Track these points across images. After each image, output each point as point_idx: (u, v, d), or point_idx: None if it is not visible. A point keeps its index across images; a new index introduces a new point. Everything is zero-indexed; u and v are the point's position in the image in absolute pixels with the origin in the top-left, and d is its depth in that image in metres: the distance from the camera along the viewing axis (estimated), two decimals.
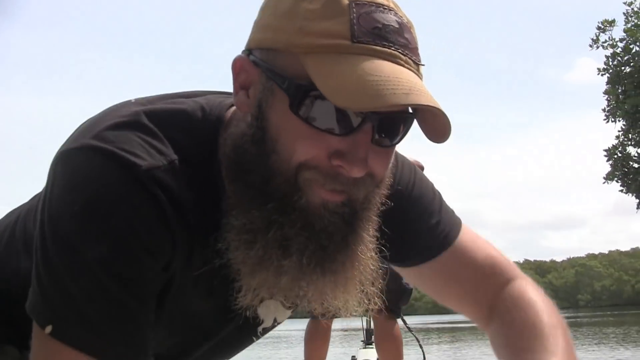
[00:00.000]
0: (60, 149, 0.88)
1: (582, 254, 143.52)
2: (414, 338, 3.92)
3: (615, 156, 22.88)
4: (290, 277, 0.86)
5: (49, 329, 0.82)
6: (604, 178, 23.14)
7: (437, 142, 0.87)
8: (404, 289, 3.41)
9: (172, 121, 0.91)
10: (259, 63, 0.86)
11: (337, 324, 4.06)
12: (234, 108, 0.94)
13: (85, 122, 0.92)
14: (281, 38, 0.84)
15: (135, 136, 0.87)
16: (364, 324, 4.50)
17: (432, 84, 0.85)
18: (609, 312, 59.50)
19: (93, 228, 0.82)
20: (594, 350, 13.56)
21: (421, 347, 3.98)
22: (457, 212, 1.19)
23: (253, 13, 0.93)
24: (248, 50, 0.89)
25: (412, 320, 4.15)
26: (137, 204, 0.83)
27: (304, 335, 3.88)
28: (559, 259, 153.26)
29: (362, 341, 4.42)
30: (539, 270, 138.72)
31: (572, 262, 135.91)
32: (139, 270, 0.84)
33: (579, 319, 43.18)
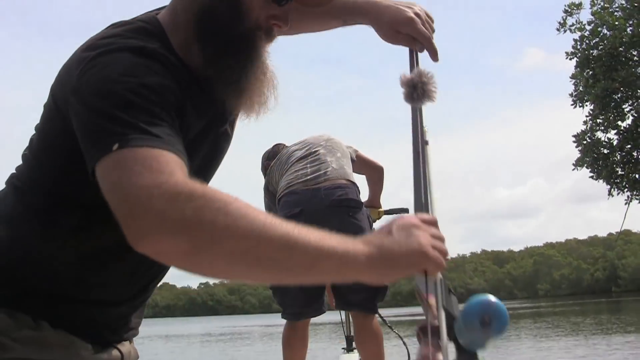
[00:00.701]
0: (92, 51, 1.15)
1: (540, 243, 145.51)
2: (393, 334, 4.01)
3: (585, 142, 22.46)
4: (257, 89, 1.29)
5: (115, 146, 1.02)
6: (573, 164, 22.75)
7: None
8: (379, 285, 3.18)
9: (143, 31, 1.24)
10: None
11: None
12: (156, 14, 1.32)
13: (97, 38, 1.22)
14: None
15: (134, 39, 1.20)
16: (344, 330, 4.35)
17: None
18: (571, 302, 59.97)
19: (137, 71, 1.12)
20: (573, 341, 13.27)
21: (404, 344, 3.97)
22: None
23: None
24: None
25: (385, 313, 3.86)
26: (155, 65, 1.17)
27: (281, 339, 3.75)
28: (516, 248, 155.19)
29: (342, 348, 4.32)
30: (496, 260, 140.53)
31: (530, 252, 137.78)
32: (167, 92, 1.13)
33: (541, 309, 43.45)
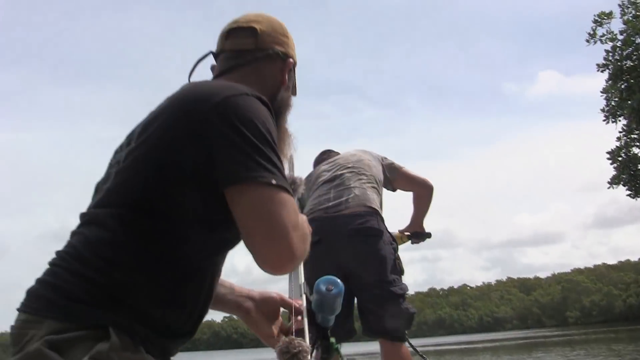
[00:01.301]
0: (220, 97, 1.42)
1: (567, 270, 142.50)
2: None
3: (620, 158, 21.26)
4: None
5: (273, 181, 1.35)
6: (608, 182, 21.55)
7: None
8: (406, 313, 3.39)
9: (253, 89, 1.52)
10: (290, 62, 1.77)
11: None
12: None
13: (221, 87, 1.48)
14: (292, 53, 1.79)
15: (251, 90, 1.50)
16: None
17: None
18: (604, 329, 57.92)
19: (269, 116, 1.47)
20: None
21: None
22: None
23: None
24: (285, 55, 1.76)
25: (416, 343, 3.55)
26: (268, 113, 1.49)
27: None
28: (542, 275, 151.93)
29: None
30: (523, 287, 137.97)
31: (557, 278, 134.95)
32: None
33: (574, 337, 41.80)
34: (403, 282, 3.39)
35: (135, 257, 1.36)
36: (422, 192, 3.90)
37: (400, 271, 3.39)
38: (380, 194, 3.62)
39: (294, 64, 1.78)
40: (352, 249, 3.31)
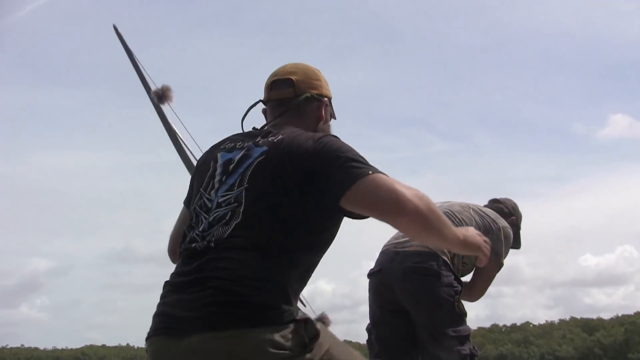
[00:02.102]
0: (315, 137, 1.92)
1: (630, 312, 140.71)
2: None
3: None
4: None
5: (371, 172, 1.78)
6: None
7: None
8: (460, 356, 3.30)
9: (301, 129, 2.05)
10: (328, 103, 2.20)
11: None
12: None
13: (306, 135, 1.94)
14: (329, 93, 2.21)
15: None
16: None
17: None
18: None
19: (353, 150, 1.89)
20: None
21: None
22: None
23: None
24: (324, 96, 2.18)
25: None
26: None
27: None
28: (605, 316, 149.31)
29: None
30: (585, 328, 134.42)
31: (620, 320, 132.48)
32: None
33: None
34: (464, 325, 3.33)
35: (286, 272, 1.78)
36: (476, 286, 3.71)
37: (460, 314, 3.32)
38: None
39: (330, 99, 2.20)
40: (405, 286, 3.30)
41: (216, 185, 1.91)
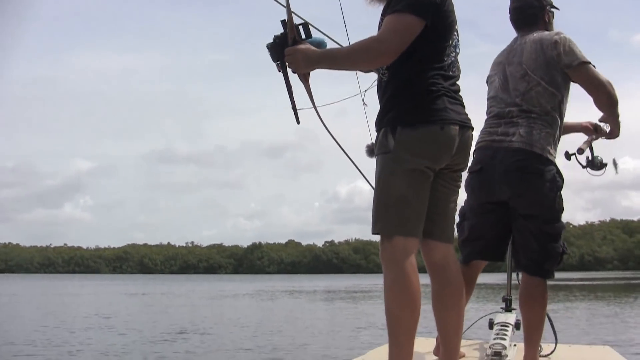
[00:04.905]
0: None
1: None
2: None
3: None
4: None
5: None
6: None
7: None
8: (553, 252, 3.32)
9: None
10: None
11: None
12: None
13: None
14: None
15: None
16: (509, 289, 4.12)
17: None
18: None
19: None
20: None
21: (554, 331, 3.75)
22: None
23: None
24: None
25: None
26: None
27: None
28: None
29: (501, 308, 4.06)
30: (626, 229, 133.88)
31: None
32: None
33: None
34: (559, 221, 3.32)
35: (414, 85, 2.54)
36: (601, 99, 3.46)
37: (559, 210, 3.31)
38: (553, 121, 3.35)
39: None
40: (508, 184, 3.26)
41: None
